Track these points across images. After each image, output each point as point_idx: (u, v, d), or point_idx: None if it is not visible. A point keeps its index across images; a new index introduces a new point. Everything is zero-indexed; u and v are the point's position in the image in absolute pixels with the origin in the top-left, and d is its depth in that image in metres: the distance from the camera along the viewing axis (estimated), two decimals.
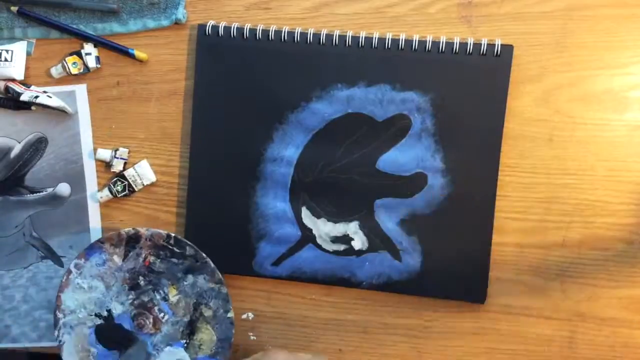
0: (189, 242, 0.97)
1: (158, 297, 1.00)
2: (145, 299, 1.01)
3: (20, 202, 1.05)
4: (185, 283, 1.00)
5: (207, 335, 0.99)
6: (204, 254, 0.97)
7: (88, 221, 1.05)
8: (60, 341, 0.99)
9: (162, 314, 1.01)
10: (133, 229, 0.97)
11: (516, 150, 0.95)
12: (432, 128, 0.95)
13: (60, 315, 0.99)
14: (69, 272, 0.99)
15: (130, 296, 1.01)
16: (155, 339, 1.01)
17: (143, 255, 0.99)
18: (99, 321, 1.00)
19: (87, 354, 1.00)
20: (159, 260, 0.99)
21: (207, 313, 0.99)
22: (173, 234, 0.97)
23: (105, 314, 1.01)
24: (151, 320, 1.01)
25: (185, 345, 1.00)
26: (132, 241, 0.99)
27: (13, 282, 1.08)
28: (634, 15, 0.93)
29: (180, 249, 0.98)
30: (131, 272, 1.00)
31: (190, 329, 1.00)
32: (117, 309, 1.01)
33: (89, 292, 1.00)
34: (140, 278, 1.00)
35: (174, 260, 0.99)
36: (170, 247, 0.98)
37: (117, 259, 0.99)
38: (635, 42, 0.93)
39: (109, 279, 1.00)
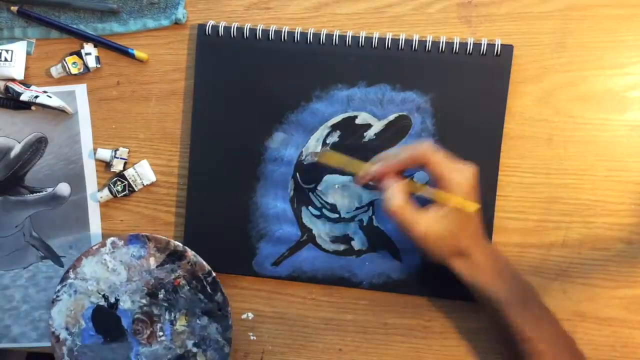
0: (223, 290, 0.97)
1: (167, 317, 1.00)
2: (155, 311, 1.00)
3: (20, 202, 1.05)
4: (197, 322, 0.99)
5: None
6: (229, 309, 0.97)
7: (88, 221, 1.05)
8: (57, 296, 0.99)
9: (161, 333, 1.00)
10: (183, 247, 0.97)
11: (516, 150, 0.95)
12: (432, 128, 0.95)
13: (71, 275, 0.99)
14: (103, 244, 0.99)
15: (144, 300, 1.00)
16: (142, 349, 1.00)
17: (177, 274, 0.99)
18: (102, 302, 1.00)
19: (75, 322, 1.00)
20: (188, 287, 0.99)
21: (200, 359, 1.00)
22: (214, 274, 0.97)
23: (112, 300, 1.00)
24: (148, 332, 1.01)
25: None
26: (175, 256, 0.98)
27: (13, 282, 1.08)
28: (634, 15, 0.93)
29: (212, 290, 0.98)
30: (157, 280, 1.00)
31: None
32: (125, 303, 1.00)
33: (109, 273, 1.00)
34: (162, 291, 1.00)
35: (201, 296, 0.99)
36: (204, 283, 0.98)
37: (152, 262, 0.99)
38: (635, 42, 0.93)
39: (134, 273, 1.00)
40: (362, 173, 0.89)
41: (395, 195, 0.84)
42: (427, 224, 0.83)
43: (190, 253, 0.97)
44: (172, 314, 1.00)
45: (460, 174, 0.83)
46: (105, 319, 1.01)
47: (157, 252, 0.99)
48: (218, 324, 0.98)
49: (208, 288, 0.98)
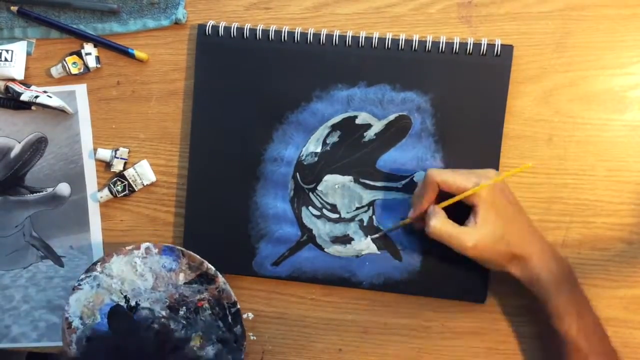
0: (243, 323, 0.97)
1: (182, 334, 1.00)
2: (172, 325, 1.00)
3: (20, 202, 1.05)
4: (210, 348, 0.99)
5: None
6: (245, 344, 0.97)
7: (88, 221, 1.05)
8: (79, 284, 0.99)
9: None
10: (215, 271, 0.97)
11: (516, 150, 0.95)
12: (432, 128, 0.95)
13: (98, 268, 0.99)
14: (137, 247, 0.98)
15: (163, 312, 1.00)
16: None
17: (202, 296, 0.99)
18: (123, 303, 1.00)
19: (90, 314, 1.00)
20: (210, 312, 0.99)
21: None
22: (239, 306, 0.97)
23: (132, 303, 1.00)
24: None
25: None
26: (205, 278, 0.98)
27: (13, 282, 1.08)
28: (634, 15, 0.93)
29: (233, 321, 0.98)
30: (182, 296, 0.99)
31: None
32: (144, 310, 1.00)
33: (136, 276, 0.99)
34: (184, 308, 1.00)
35: (220, 324, 0.99)
36: (227, 312, 0.98)
37: (181, 277, 0.99)
38: (635, 42, 0.93)
39: (161, 283, 0.99)
40: (408, 221, 0.93)
41: (432, 218, 0.86)
42: (473, 236, 0.85)
43: (221, 280, 0.97)
44: (188, 332, 1.00)
45: (476, 177, 0.86)
46: (121, 320, 1.00)
47: (189, 269, 0.99)
48: (231, 355, 0.98)
49: (229, 318, 0.98)
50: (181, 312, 1.00)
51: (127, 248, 0.98)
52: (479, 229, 0.84)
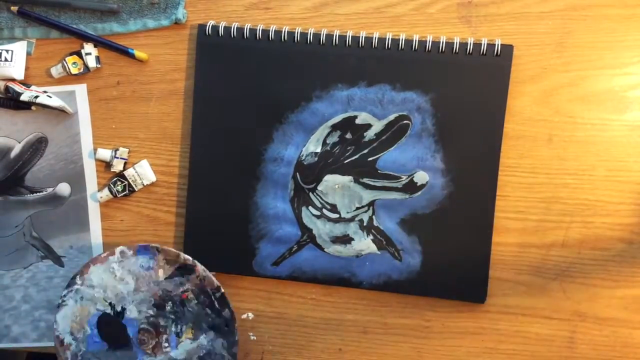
0: (231, 306, 0.97)
1: (173, 329, 1.00)
2: (161, 322, 1.00)
3: (20, 202, 1.05)
4: (203, 336, 0.99)
5: None
6: (236, 325, 0.97)
7: (88, 221, 1.05)
8: (63, 301, 0.99)
9: (166, 344, 1.00)
10: (193, 261, 0.97)
11: (516, 150, 0.95)
12: (432, 128, 0.95)
13: (78, 281, 0.99)
14: (112, 253, 0.99)
15: (150, 311, 1.00)
16: (147, 359, 1.01)
17: (185, 288, 0.99)
18: (109, 310, 1.00)
19: (80, 328, 1.00)
20: (196, 301, 0.99)
21: None
22: (223, 290, 0.97)
23: (118, 309, 1.00)
24: (154, 342, 1.01)
25: None
26: (184, 269, 0.98)
27: (13, 282, 1.08)
28: (634, 15, 0.93)
29: (220, 306, 0.98)
30: (165, 292, 1.00)
31: None
32: (131, 312, 1.00)
33: (117, 281, 1.00)
34: (169, 303, 1.00)
35: (208, 311, 0.99)
36: (213, 298, 0.98)
37: (161, 274, 0.99)
38: (635, 42, 0.93)
39: (142, 283, 1.00)
40: None
41: None
42: None
43: (200, 268, 0.97)
44: (179, 326, 1.00)
45: None
46: (111, 327, 1.01)
47: (167, 264, 0.99)
48: (224, 339, 0.98)
49: (216, 303, 0.98)
50: (168, 308, 1.00)
51: (103, 256, 0.99)
52: None
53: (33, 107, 1.04)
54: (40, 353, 1.10)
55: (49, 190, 1.05)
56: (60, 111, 1.03)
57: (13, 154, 1.05)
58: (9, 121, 1.05)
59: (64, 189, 1.05)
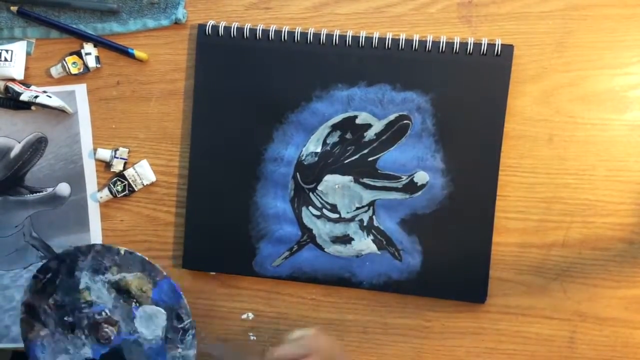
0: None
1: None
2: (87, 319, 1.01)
3: (20, 202, 1.05)
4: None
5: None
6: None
7: (88, 221, 1.05)
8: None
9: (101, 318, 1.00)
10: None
11: (516, 150, 0.95)
12: (432, 128, 0.95)
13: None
14: None
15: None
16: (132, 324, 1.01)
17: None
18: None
19: None
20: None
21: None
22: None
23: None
24: (108, 329, 1.00)
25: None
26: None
27: (13, 282, 1.08)
28: (634, 15, 0.93)
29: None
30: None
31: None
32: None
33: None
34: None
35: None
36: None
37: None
38: (635, 42, 0.93)
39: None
40: None
41: None
42: None
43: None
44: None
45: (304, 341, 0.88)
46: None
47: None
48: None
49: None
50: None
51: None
52: None
53: (33, 107, 1.04)
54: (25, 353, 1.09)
55: (49, 190, 1.05)
56: (60, 111, 1.03)
57: (13, 154, 1.05)
58: (8, 121, 1.05)
59: (63, 189, 1.05)
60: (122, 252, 0.97)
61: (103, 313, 0.99)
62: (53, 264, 0.99)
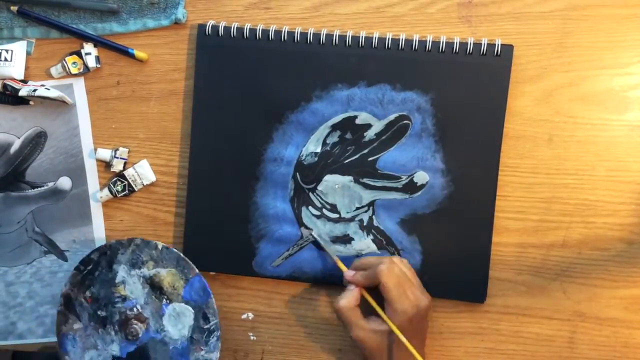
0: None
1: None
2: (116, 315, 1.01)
3: (21, 197, 1.06)
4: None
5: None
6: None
7: (90, 214, 1.05)
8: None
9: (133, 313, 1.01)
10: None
11: (516, 150, 0.95)
12: (432, 128, 0.95)
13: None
14: None
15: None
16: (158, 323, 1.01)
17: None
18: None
19: None
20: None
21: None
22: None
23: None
24: (137, 325, 1.01)
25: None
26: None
27: (17, 278, 1.08)
28: (634, 15, 0.92)
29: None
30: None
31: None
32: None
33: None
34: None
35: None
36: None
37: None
38: (635, 42, 0.93)
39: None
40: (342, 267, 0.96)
41: (346, 297, 0.92)
42: (365, 334, 0.90)
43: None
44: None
45: (402, 304, 0.88)
46: None
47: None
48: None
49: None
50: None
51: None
52: (374, 332, 0.90)
53: (31, 102, 1.04)
54: (25, 352, 1.10)
55: (50, 184, 1.05)
56: (59, 105, 1.03)
57: (13, 149, 1.05)
58: (7, 117, 1.05)
59: (64, 182, 1.05)
60: (160, 247, 0.98)
61: (135, 309, 0.99)
62: (95, 256, 0.99)
